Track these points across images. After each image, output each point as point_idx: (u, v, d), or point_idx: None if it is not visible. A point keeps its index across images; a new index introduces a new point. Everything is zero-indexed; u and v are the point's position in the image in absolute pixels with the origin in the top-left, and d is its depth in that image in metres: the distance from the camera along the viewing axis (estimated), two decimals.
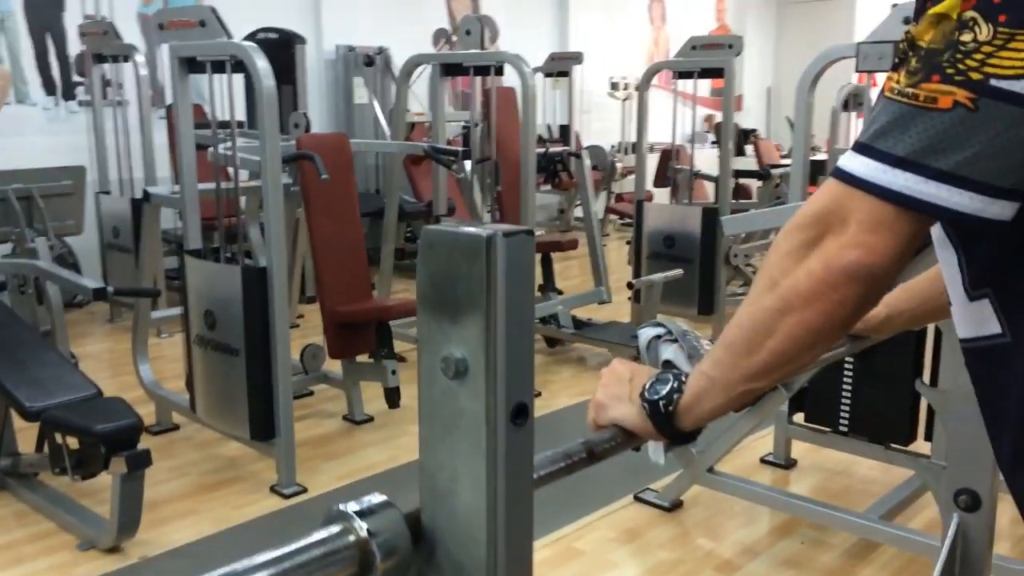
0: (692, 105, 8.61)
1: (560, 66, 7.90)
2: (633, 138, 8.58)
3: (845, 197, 0.76)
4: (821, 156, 9.02)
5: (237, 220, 3.52)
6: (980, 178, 0.70)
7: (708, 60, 4.67)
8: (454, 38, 7.92)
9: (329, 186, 3.50)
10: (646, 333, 3.13)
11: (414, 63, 4.35)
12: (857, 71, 2.98)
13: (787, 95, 10.08)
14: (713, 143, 7.54)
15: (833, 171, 0.78)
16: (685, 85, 4.82)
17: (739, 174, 5.48)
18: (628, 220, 7.51)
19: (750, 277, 5.56)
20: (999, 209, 0.71)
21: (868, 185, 0.74)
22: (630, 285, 4.34)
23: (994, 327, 0.80)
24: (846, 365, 2.97)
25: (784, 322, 0.80)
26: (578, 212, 7.87)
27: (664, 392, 0.91)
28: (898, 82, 0.73)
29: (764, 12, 10.86)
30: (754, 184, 6.60)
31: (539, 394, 4.14)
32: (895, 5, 10.12)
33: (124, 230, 5.00)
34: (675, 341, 3.04)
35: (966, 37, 0.69)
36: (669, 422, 0.90)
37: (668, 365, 3.00)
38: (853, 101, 5.51)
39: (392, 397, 3.63)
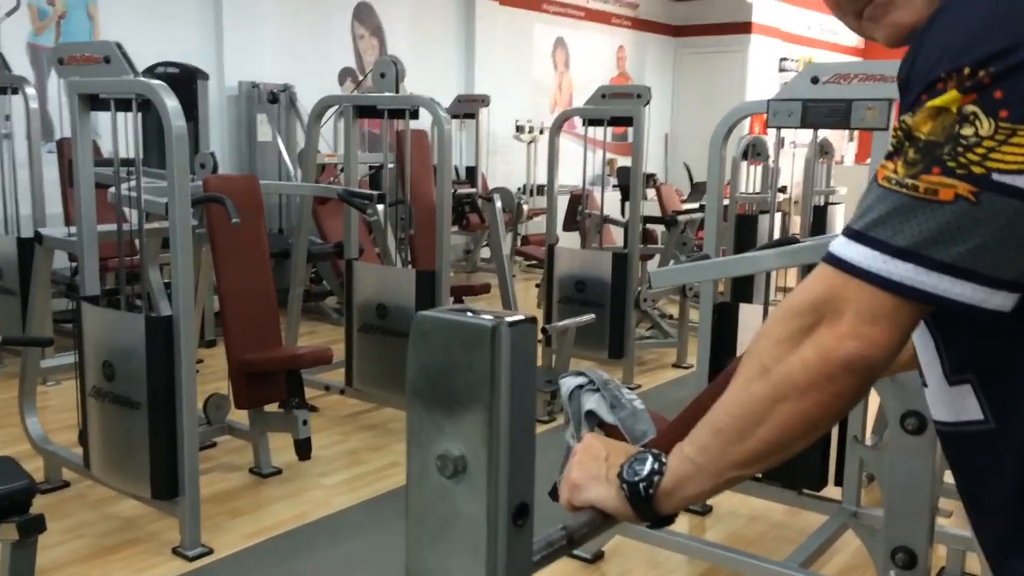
0: (597, 150, 8.79)
1: (467, 108, 7.93)
2: (538, 180, 8.68)
3: (841, 285, 0.75)
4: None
5: (136, 263, 3.34)
6: (983, 270, 0.70)
7: (618, 109, 4.76)
8: (360, 77, 7.86)
9: (238, 229, 3.37)
10: (568, 383, 3.09)
11: (326, 104, 4.27)
12: (768, 127, 3.06)
13: (684, 141, 10.42)
14: (614, 187, 7.68)
15: (826, 256, 0.77)
16: (592, 131, 4.89)
17: (646, 220, 5.58)
18: (534, 262, 7.55)
19: (657, 321, 5.65)
20: (1001, 300, 0.71)
21: (867, 274, 0.73)
22: (544, 331, 4.33)
23: (975, 413, 0.80)
24: None
25: (777, 411, 0.78)
26: (484, 253, 7.87)
27: (644, 473, 0.87)
28: (895, 172, 0.73)
29: (662, 60, 11.21)
30: (659, 228, 6.74)
31: None
32: (783, 59, 10.53)
33: (9, 271, 4.70)
34: (597, 391, 3.02)
35: (967, 131, 0.69)
36: (649, 505, 0.86)
37: (591, 415, 2.96)
38: (752, 151, 5.71)
39: (303, 449, 3.49)
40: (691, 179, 9.29)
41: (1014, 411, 0.77)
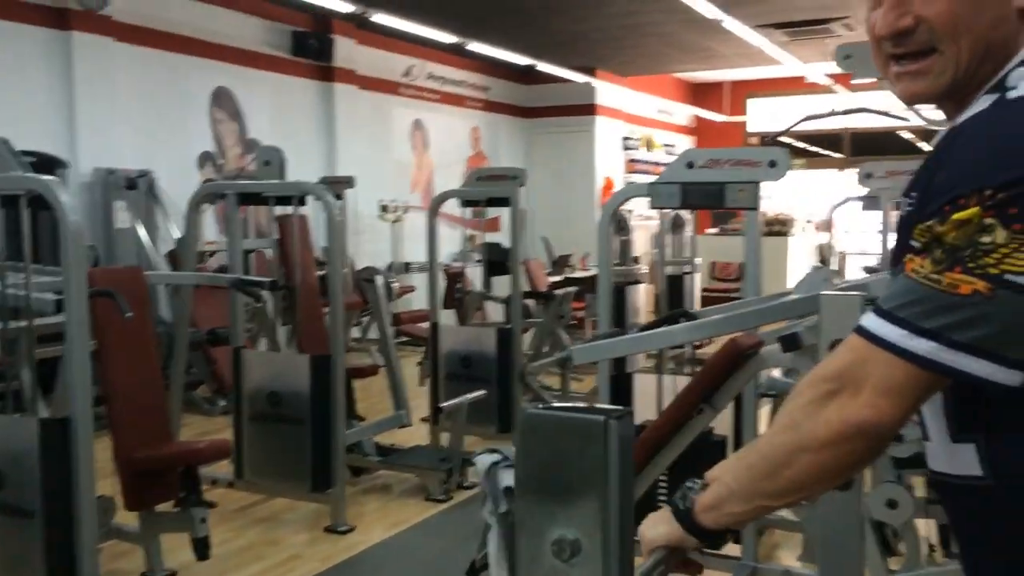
0: (458, 227, 8.99)
1: (333, 189, 7.93)
2: (404, 258, 8.76)
3: (868, 355, 0.90)
4: (579, 274, 9.67)
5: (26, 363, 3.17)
6: (995, 351, 0.86)
7: (495, 190, 4.95)
8: (220, 161, 7.76)
9: (123, 322, 3.26)
10: (484, 460, 3.19)
11: (208, 191, 4.22)
12: (651, 207, 3.30)
13: (540, 216, 10.79)
14: (478, 261, 7.86)
15: (857, 329, 0.92)
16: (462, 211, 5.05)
17: (525, 295, 5.76)
18: (408, 339, 7.57)
19: (539, 393, 5.79)
20: (1008, 376, 0.87)
21: (894, 347, 0.88)
22: (439, 409, 4.37)
23: (975, 470, 0.95)
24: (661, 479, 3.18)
25: (801, 459, 0.94)
26: (355, 332, 7.82)
27: (679, 494, 1.02)
28: (922, 267, 0.89)
29: (515, 140, 11.65)
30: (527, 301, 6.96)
31: (353, 528, 4.01)
32: (626, 138, 11.13)
33: None
34: (512, 466, 3.14)
35: (985, 239, 0.85)
36: (690, 518, 1.00)
37: (509, 492, 3.07)
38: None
39: (201, 548, 3.35)
40: (550, 253, 9.62)
41: (1011, 471, 0.93)
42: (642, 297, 6.28)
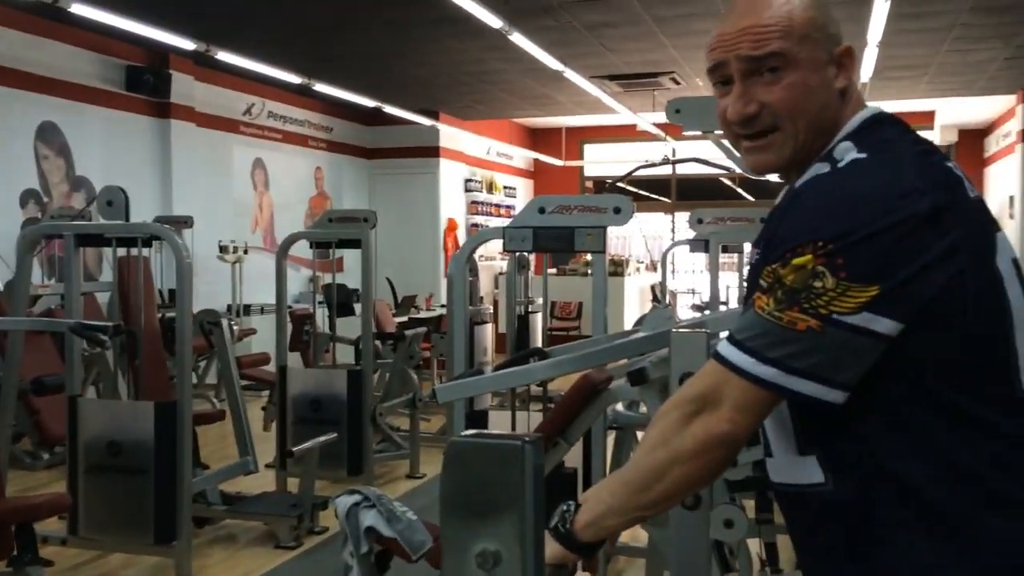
0: (302, 269, 8.82)
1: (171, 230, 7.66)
2: (243, 300, 8.54)
3: (724, 379, 1.06)
4: (424, 314, 9.75)
5: None
6: (824, 375, 1.03)
7: (346, 232, 4.97)
8: (45, 200, 7.33)
9: None
10: (344, 501, 3.23)
11: (42, 232, 4.02)
12: (504, 250, 3.44)
13: (383, 257, 10.80)
14: (320, 303, 7.79)
15: (714, 355, 1.08)
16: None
17: (375, 336, 5.77)
18: (250, 384, 7.36)
19: (390, 433, 5.79)
20: (835, 396, 1.04)
21: (745, 373, 1.05)
22: (289, 453, 4.31)
23: (818, 477, 1.12)
24: None
25: (673, 470, 1.08)
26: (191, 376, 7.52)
27: (557, 518, 1.12)
28: (768, 304, 1.05)
29: (358, 180, 11.64)
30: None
31: None
32: (468, 180, 11.38)
33: None
34: (373, 506, 3.19)
35: (817, 283, 1.02)
36: (571, 537, 1.10)
37: (370, 531, 3.13)
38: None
39: None
40: (394, 294, 9.64)
41: (847, 479, 1.10)
42: (488, 336, 6.43)
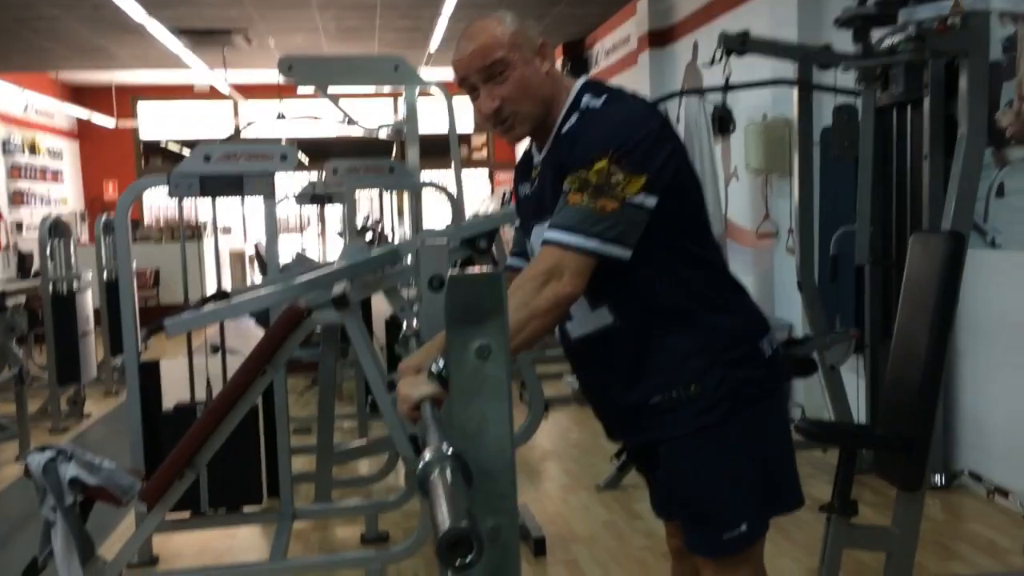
0: None
1: None
2: None
3: (562, 255, 1.52)
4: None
5: None
6: (625, 241, 1.54)
7: None
8: None
9: None
10: (37, 458, 3.32)
11: None
12: (169, 196, 3.44)
13: None
14: None
15: (551, 242, 1.53)
16: None
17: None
18: None
19: None
20: (626, 253, 1.55)
21: (577, 248, 1.51)
22: None
23: (608, 320, 1.66)
24: None
25: (532, 323, 1.52)
26: None
27: (441, 365, 1.39)
28: (582, 199, 1.52)
29: None
30: None
31: None
32: (5, 141, 10.22)
33: None
34: (71, 459, 3.32)
35: (613, 179, 1.52)
36: (448, 379, 1.37)
37: (75, 482, 3.26)
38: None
39: None
40: None
41: (628, 311, 1.63)
42: (89, 303, 6.08)
